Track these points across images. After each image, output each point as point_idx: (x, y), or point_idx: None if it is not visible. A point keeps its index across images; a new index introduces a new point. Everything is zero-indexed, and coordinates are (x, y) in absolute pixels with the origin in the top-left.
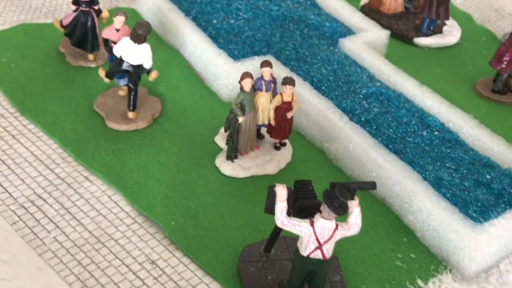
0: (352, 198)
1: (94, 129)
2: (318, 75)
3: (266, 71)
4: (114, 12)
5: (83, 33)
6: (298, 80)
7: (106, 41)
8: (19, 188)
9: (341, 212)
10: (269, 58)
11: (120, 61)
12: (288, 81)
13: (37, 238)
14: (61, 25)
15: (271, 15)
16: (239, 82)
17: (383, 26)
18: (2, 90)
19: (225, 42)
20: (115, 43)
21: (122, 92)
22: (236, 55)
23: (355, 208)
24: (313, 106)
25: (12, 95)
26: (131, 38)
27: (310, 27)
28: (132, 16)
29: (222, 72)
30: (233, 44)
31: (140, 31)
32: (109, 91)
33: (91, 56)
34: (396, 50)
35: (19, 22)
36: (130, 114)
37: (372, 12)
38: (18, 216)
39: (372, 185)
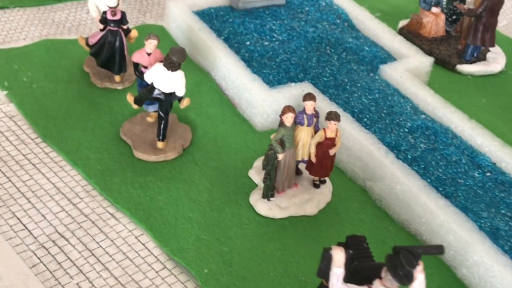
0: (417, 264)
1: (121, 159)
2: (359, 105)
3: (309, 105)
4: (140, 28)
5: (110, 54)
6: (338, 111)
7: (136, 65)
8: (39, 225)
9: (406, 282)
10: (306, 84)
11: (151, 88)
12: (333, 116)
13: (59, 284)
14: (87, 44)
15: (307, 37)
16: (280, 117)
17: (424, 50)
18: (23, 113)
19: (259, 66)
20: (145, 67)
21: (151, 119)
22: (271, 80)
23: (419, 274)
24: (355, 141)
25: (33, 119)
26: (165, 65)
27: (348, 51)
28: (159, 33)
29: (257, 99)
30: (268, 69)
31: (175, 58)
32: (137, 117)
33: (117, 78)
34: (438, 77)
35: (41, 37)
36: (159, 144)
37: (411, 35)
38: (39, 258)
39: (440, 249)
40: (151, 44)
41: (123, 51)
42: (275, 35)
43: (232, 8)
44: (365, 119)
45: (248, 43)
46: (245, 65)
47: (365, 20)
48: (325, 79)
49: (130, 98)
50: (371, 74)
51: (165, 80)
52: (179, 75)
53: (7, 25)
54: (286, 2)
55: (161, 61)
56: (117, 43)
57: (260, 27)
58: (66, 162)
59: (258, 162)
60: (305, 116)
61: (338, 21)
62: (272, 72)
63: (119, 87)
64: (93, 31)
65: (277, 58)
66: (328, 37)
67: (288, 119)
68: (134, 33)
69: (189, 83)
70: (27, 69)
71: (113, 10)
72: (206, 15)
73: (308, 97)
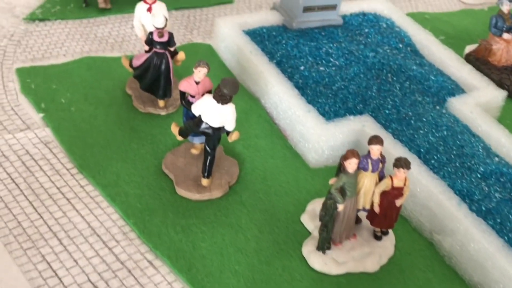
0: None
1: (162, 197)
2: (425, 143)
3: (376, 149)
4: (187, 47)
5: (155, 77)
6: (403, 150)
7: (183, 94)
8: (71, 272)
9: None
10: (366, 118)
11: (199, 121)
12: (403, 164)
13: None
14: (131, 65)
15: (366, 62)
16: (342, 161)
17: (493, 80)
18: (59, 139)
19: (313, 95)
20: (193, 96)
21: (195, 151)
22: (327, 111)
23: None
24: (422, 187)
25: (70, 146)
26: (215, 97)
27: (411, 80)
28: (207, 53)
29: (312, 134)
30: (323, 97)
31: (226, 91)
32: (180, 147)
33: (161, 103)
34: (509, 112)
35: (82, 53)
36: (204, 181)
37: (479, 62)
38: None
39: None
40: (200, 73)
41: (169, 75)
42: (331, 59)
43: (286, 28)
44: (432, 161)
45: (302, 68)
46: (299, 93)
47: (430, 45)
48: (387, 111)
49: (174, 129)
50: (437, 107)
51: (214, 113)
52: (230, 108)
53: (47, 39)
54: (344, 22)
55: (209, 91)
56: (163, 66)
57: (316, 50)
58: (103, 197)
59: (311, 205)
60: (369, 161)
61: (400, 45)
62: (328, 101)
63: (163, 113)
64: (137, 48)
65: (333, 86)
66: (389, 63)
67: (352, 165)
68: (181, 56)
69: (237, 110)
70: (66, 90)
71: (160, 31)
72: (257, 35)
73: (375, 140)
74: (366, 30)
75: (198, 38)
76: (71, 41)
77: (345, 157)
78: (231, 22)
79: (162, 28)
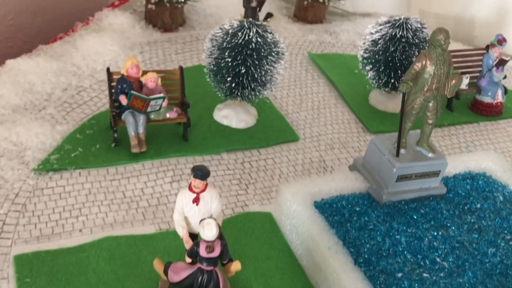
0: None
1: None
2: None
3: None
4: (241, 218)
5: None
6: None
7: None
8: None
9: None
10: None
11: None
12: None
13: None
14: (165, 272)
15: (484, 263)
16: None
17: None
18: None
19: None
20: None
21: None
22: None
23: None
24: None
25: None
26: None
27: None
28: (265, 227)
29: None
30: None
31: None
32: None
33: None
34: None
35: (104, 228)
36: None
37: None
38: None
39: None
40: None
41: None
42: (437, 258)
43: (371, 198)
44: None
45: (399, 275)
46: None
47: None
48: None
49: None
50: None
51: None
52: None
53: (61, 202)
54: (447, 189)
55: None
56: (211, 286)
57: (414, 241)
58: None
59: None
60: None
61: None
62: None
63: None
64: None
65: None
66: None
67: None
68: (236, 267)
69: None
70: None
71: (210, 245)
72: (335, 213)
73: None
74: (478, 205)
75: (254, 200)
76: (92, 206)
77: None
78: (300, 192)
79: (213, 242)
